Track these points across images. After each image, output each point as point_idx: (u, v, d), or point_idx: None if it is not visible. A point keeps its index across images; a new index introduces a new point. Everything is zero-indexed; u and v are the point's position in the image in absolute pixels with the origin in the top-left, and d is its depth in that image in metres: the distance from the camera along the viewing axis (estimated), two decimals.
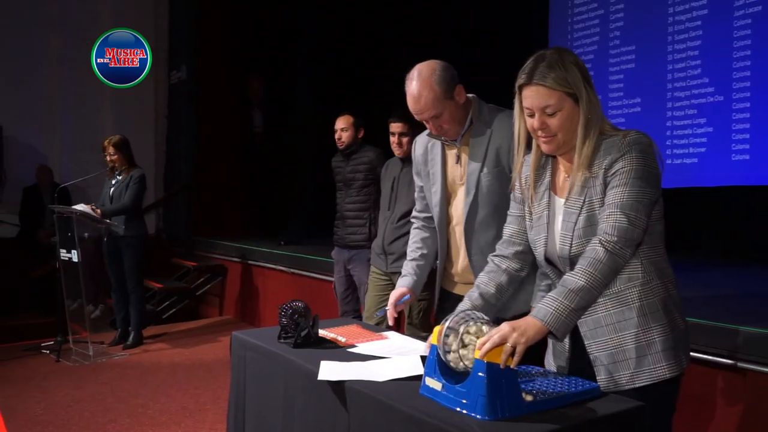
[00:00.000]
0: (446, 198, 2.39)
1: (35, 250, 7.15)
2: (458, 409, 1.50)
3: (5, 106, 7.94)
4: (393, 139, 3.75)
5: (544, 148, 1.78)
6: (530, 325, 1.58)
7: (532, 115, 1.74)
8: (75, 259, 5.20)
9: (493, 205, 2.28)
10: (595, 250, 1.65)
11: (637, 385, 1.70)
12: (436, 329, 1.61)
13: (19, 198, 7.58)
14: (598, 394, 1.63)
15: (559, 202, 1.81)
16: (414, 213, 2.62)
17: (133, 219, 5.54)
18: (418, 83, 2.21)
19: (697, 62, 5.53)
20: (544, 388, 1.61)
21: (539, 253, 1.84)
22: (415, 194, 2.60)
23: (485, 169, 2.27)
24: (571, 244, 1.74)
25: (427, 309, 3.59)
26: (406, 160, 3.70)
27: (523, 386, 1.58)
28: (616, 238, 1.64)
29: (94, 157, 7.46)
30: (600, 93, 1.90)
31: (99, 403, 4.20)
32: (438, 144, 2.40)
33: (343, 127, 4.25)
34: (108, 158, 5.54)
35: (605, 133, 1.73)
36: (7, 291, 7.09)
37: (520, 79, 1.74)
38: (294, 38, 8.40)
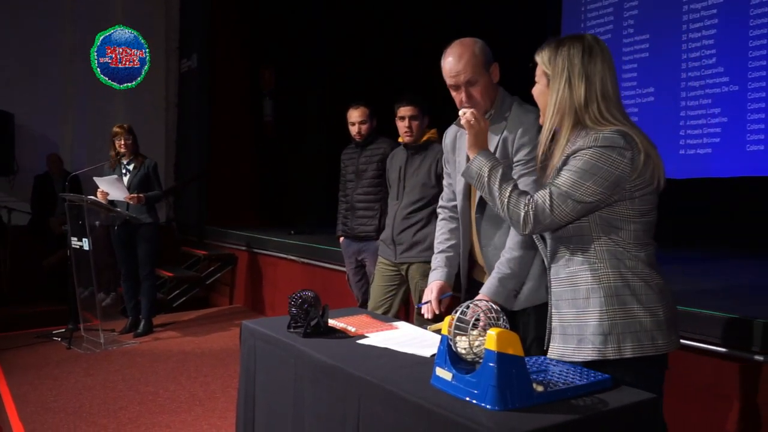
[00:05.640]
0: (469, 187, 2.38)
1: (47, 238, 7.18)
2: (468, 399, 1.49)
3: (17, 96, 7.98)
4: (402, 125, 3.63)
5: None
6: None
7: None
8: (86, 247, 5.23)
9: None
10: (528, 197, 1.75)
11: (576, 360, 1.75)
12: (447, 319, 1.60)
13: (30, 186, 7.62)
14: (610, 386, 1.61)
15: None
16: (441, 203, 2.61)
17: (148, 208, 5.56)
18: (461, 47, 2.24)
19: (712, 51, 5.46)
20: (555, 379, 1.60)
21: None
22: (444, 182, 2.60)
23: None
24: None
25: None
26: (411, 147, 3.67)
27: (533, 377, 1.57)
28: (534, 211, 1.72)
29: (105, 146, 7.48)
30: None
31: (110, 391, 4.23)
32: (466, 134, 2.37)
33: (361, 120, 4.16)
34: (122, 143, 5.50)
35: (591, 127, 1.74)
36: (19, 278, 7.15)
37: None
38: (306, 28, 8.37)
